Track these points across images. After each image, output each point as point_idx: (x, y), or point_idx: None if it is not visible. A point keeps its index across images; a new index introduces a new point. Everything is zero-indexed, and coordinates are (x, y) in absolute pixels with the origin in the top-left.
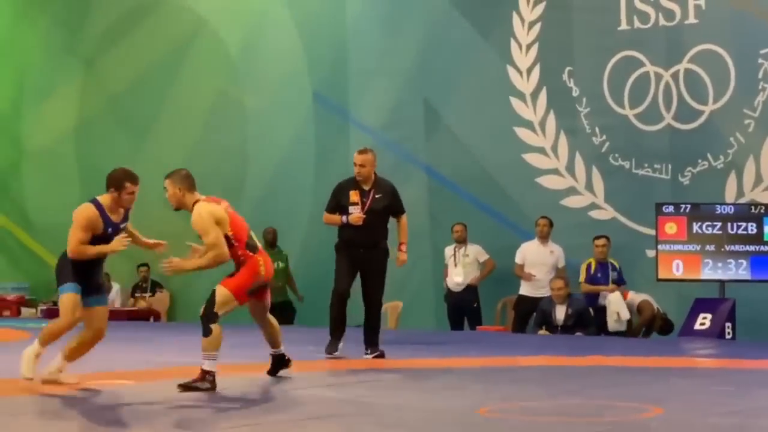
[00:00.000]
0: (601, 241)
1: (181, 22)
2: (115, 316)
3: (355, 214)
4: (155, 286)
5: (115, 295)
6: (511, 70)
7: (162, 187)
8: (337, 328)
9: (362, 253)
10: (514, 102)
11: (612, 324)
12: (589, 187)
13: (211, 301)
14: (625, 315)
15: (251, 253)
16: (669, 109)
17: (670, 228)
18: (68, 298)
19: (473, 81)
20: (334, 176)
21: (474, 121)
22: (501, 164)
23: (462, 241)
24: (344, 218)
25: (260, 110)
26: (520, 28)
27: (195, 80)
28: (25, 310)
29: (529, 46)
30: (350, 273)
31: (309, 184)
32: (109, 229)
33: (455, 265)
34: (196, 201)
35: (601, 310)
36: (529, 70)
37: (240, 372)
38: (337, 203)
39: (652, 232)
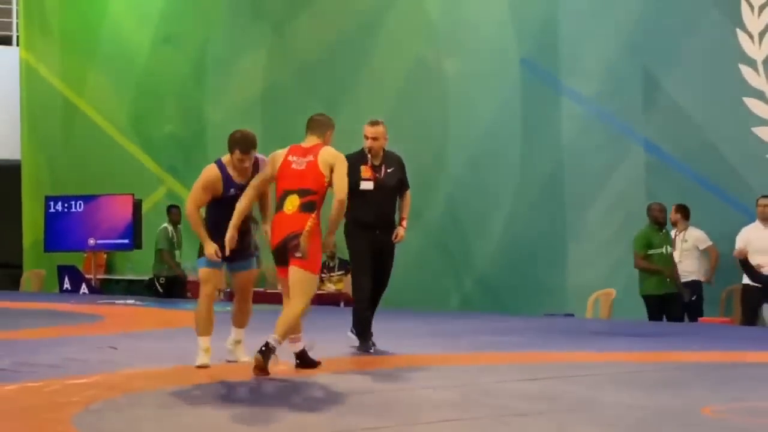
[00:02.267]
0: None
1: None
2: None
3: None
4: (345, 264)
5: None
6: (741, 35)
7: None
8: (366, 331)
9: (378, 235)
10: (744, 70)
11: None
12: None
13: None
14: None
15: None
16: None
17: None
18: (201, 272)
19: (698, 46)
20: (542, 150)
21: (698, 91)
22: (728, 138)
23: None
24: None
25: (462, 78)
26: None
27: (392, 45)
28: None
29: (762, 8)
30: (371, 266)
31: (515, 157)
32: (231, 190)
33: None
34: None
35: None
36: (762, 35)
37: (435, 363)
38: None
39: None
